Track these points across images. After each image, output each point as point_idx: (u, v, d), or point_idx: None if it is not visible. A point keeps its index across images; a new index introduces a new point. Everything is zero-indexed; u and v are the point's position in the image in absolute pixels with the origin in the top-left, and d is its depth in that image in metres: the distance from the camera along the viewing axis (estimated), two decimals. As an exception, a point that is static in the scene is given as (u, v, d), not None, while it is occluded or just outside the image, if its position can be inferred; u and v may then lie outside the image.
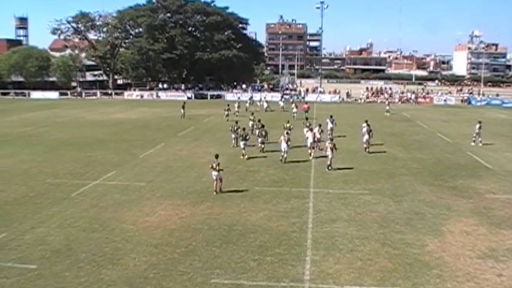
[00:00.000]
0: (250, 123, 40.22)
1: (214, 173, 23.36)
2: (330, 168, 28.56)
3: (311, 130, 33.79)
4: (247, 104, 63.65)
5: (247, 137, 25.55)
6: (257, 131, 35.21)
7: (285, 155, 30.70)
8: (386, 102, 65.97)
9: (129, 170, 28.53)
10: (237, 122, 37.32)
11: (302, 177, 26.82)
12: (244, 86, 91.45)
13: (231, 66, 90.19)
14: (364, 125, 35.08)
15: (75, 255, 16.13)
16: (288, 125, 36.37)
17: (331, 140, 30.10)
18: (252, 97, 71.24)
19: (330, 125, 39.87)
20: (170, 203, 21.84)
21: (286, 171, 28.16)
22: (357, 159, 31.69)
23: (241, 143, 29.24)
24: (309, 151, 32.62)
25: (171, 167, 29.19)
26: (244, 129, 30.20)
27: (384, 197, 23.13)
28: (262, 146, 33.90)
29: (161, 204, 21.67)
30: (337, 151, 29.23)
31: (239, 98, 69.87)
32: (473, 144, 37.79)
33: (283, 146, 30.69)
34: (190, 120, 51.75)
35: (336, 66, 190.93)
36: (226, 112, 51.72)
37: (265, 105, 61.62)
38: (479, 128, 37.97)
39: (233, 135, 35.65)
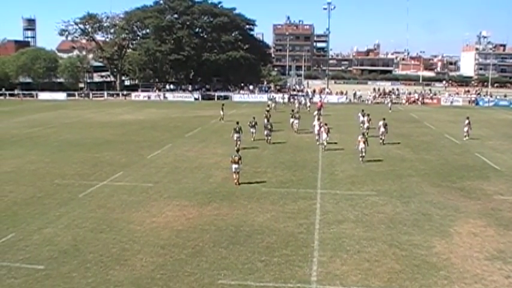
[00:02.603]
0: (265, 120, 41.43)
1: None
2: (362, 160, 30.79)
3: (319, 119, 39.27)
4: (273, 104, 64.90)
5: (240, 161, 25.26)
6: (265, 122, 39.40)
7: (325, 143, 34.68)
8: (389, 101, 71.43)
9: (136, 170, 28.61)
10: (238, 123, 36.97)
11: (309, 179, 26.79)
12: (251, 87, 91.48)
13: (238, 67, 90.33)
14: (381, 122, 38.27)
15: (82, 256, 16.18)
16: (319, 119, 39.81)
17: (363, 134, 32.51)
18: (274, 97, 72.98)
19: (361, 119, 44.03)
20: (177, 204, 21.87)
21: (294, 172, 28.16)
22: (365, 160, 31.62)
23: (233, 166, 25.48)
24: (316, 137, 37.40)
25: (178, 168, 29.24)
26: (237, 150, 27.62)
27: (392, 198, 23.08)
28: (269, 137, 37.77)
29: (168, 205, 21.70)
30: (368, 146, 31.44)
31: (273, 97, 72.21)
32: (465, 139, 40.09)
33: (324, 136, 34.77)
34: (197, 121, 51.89)
35: (343, 67, 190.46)
36: (221, 113, 51.78)
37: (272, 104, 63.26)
38: (468, 123, 40.88)
39: (235, 136, 35.47)
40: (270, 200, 22.51)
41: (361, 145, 31.42)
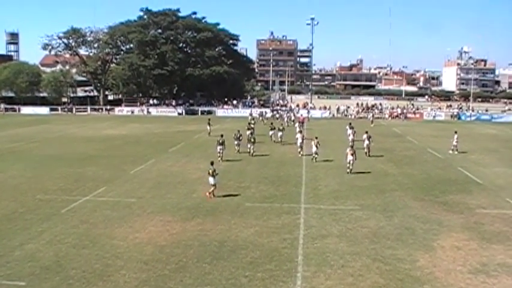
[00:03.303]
0: (248, 132, 43.18)
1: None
2: (350, 172, 31.75)
3: (300, 132, 41.56)
4: (260, 118, 68.00)
5: (215, 173, 25.31)
6: (248, 136, 40.52)
7: (316, 156, 36.04)
8: (371, 115, 73.39)
9: (119, 186, 28.41)
10: (238, 131, 40.96)
11: (293, 193, 26.80)
12: (235, 101, 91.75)
13: (222, 82, 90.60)
14: (365, 135, 39.82)
15: (64, 272, 15.99)
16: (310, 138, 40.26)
17: (352, 146, 33.83)
18: (262, 112, 74.54)
19: (349, 131, 45.67)
20: (161, 219, 21.75)
21: (277, 187, 28.15)
22: (348, 175, 31.68)
23: (211, 179, 25.51)
24: (299, 150, 39.06)
25: (161, 183, 29.10)
26: (212, 162, 26.50)
27: (375, 212, 23.13)
28: (252, 150, 39.09)
29: (152, 221, 21.58)
30: (356, 159, 32.50)
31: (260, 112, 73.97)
32: (450, 152, 41.01)
33: (313, 149, 35.88)
34: (181, 136, 51.82)
35: (326, 82, 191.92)
36: (208, 128, 52.16)
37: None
38: (457, 138, 41.64)
39: (236, 142, 39.81)
40: (253, 215, 22.47)
41: (349, 157, 32.11)
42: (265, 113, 74.86)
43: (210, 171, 25.44)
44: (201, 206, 24.01)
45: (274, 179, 30.48)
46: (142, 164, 35.14)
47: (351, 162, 32.20)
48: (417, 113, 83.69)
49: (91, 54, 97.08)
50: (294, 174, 32.03)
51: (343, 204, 24.56)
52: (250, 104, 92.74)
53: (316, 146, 36.21)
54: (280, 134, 46.68)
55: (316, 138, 37.36)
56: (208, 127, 52.35)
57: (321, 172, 32.61)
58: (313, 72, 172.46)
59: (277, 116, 73.55)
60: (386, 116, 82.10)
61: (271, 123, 52.11)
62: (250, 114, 67.79)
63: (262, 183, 29.14)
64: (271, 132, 47.99)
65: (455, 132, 42.18)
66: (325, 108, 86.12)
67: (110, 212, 23.04)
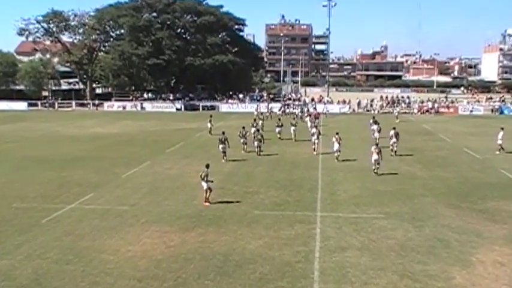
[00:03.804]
0: (253, 129, 44.19)
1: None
2: (377, 173, 32.30)
3: (316, 127, 43.27)
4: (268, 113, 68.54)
5: (207, 178, 25.57)
6: (253, 134, 41.75)
7: (338, 154, 36.91)
8: (397, 110, 74.19)
9: (110, 191, 28.46)
10: (244, 128, 41.65)
11: (308, 199, 26.80)
12: (241, 95, 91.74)
13: (226, 73, 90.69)
14: (392, 132, 39.99)
15: (45, 291, 16.02)
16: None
17: (377, 144, 34.53)
18: (270, 107, 74.99)
19: (372, 127, 47.36)
20: (157, 230, 21.75)
21: (290, 193, 28.15)
22: (371, 178, 31.61)
23: (203, 184, 26.07)
24: (314, 147, 40.42)
25: (158, 189, 29.15)
26: (207, 165, 28.01)
27: (402, 221, 22.99)
28: (260, 149, 39.79)
29: (146, 231, 21.58)
30: (382, 159, 32.77)
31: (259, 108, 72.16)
32: (497, 152, 40.43)
33: (336, 146, 36.91)
34: (180, 135, 52.00)
35: (345, 73, 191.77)
36: (209, 125, 52.72)
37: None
38: (503, 136, 41.15)
39: (242, 140, 40.68)
40: (263, 225, 22.45)
41: (375, 156, 32.24)
42: (271, 108, 74.57)
43: (203, 174, 25.70)
44: (202, 214, 24.02)
45: (286, 182, 30.54)
46: (136, 167, 35.20)
47: (377, 162, 32.52)
48: (451, 107, 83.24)
49: (75, 41, 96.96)
50: (308, 177, 32.10)
51: (365, 212, 24.49)
52: (258, 98, 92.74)
53: (339, 143, 37.07)
54: (292, 129, 47.68)
55: (337, 133, 38.08)
56: (209, 124, 52.69)
57: (339, 175, 32.63)
58: (331, 61, 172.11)
59: (288, 111, 73.58)
60: (415, 110, 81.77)
61: (279, 119, 53.04)
62: (257, 110, 68.14)
63: (273, 188, 29.19)
64: (278, 129, 48.95)
65: (502, 129, 41.79)
66: (344, 102, 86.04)
67: (98, 221, 23.00)
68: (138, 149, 43.24)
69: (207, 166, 26.20)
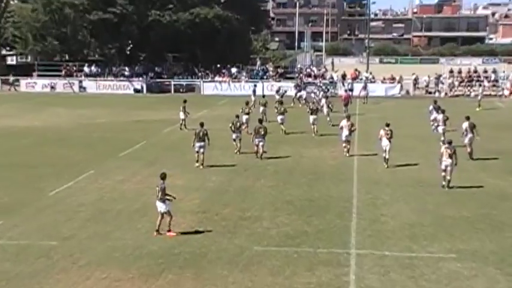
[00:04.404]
0: (245, 117, 46.66)
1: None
2: (449, 186, 32.09)
3: (348, 118, 41.54)
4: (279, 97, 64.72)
5: (167, 197, 25.53)
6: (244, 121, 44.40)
7: (387, 156, 36.95)
8: (480, 92, 71.15)
9: (29, 218, 28.01)
10: (237, 116, 42.34)
11: (336, 229, 26.40)
12: (234, 70, 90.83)
13: (212, 35, 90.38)
14: (466, 124, 39.62)
15: None
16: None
17: (449, 143, 33.00)
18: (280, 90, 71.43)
19: (434, 115, 47.91)
20: (104, 277, 21.42)
21: (308, 219, 27.62)
22: (435, 196, 31.29)
23: (159, 205, 26.15)
24: (343, 145, 40.71)
25: (105, 212, 28.73)
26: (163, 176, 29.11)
27: (486, 265, 22.37)
28: (261, 147, 39.76)
29: (88, 279, 21.22)
30: (456, 164, 32.38)
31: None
32: None
33: (386, 145, 36.99)
34: (140, 130, 51.83)
35: (395, 34, 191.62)
36: (182, 116, 51.92)
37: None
38: None
39: (234, 136, 41.02)
40: (267, 268, 22.11)
41: (446, 161, 32.14)
42: (283, 92, 70.85)
43: (158, 189, 25.46)
44: (175, 251, 23.63)
45: (302, 203, 30.09)
46: (72, 180, 34.72)
47: (448, 169, 32.22)
48: None
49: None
50: (337, 194, 31.73)
51: (426, 250, 23.92)
52: (261, 73, 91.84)
53: (389, 139, 37.06)
54: (312, 118, 48.51)
55: (388, 125, 37.97)
56: (182, 114, 51.93)
57: (385, 191, 32.39)
58: (372, 16, 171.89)
59: (306, 96, 70.86)
60: (506, 92, 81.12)
61: (281, 103, 53.35)
62: (254, 91, 68.33)
63: (283, 211, 28.75)
64: (280, 117, 50.11)
65: None
66: (392, 79, 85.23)
67: (10, 265, 22.50)
68: (74, 152, 42.83)
69: (163, 177, 25.88)
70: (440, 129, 44.32)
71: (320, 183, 34.05)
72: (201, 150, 37.14)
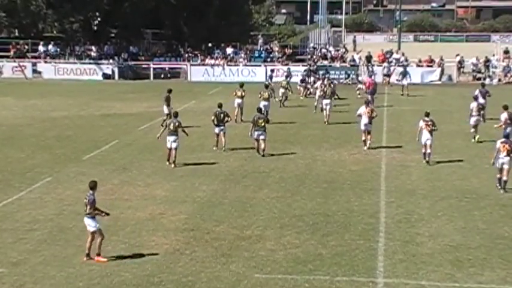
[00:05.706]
0: (262, 104, 48.40)
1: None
2: (504, 188, 32.60)
3: (367, 104, 44.18)
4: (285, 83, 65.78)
5: (97, 212, 25.49)
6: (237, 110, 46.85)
7: (429, 150, 38.12)
8: None
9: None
10: (220, 106, 43.47)
11: (358, 251, 25.68)
12: (230, 50, 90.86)
13: (201, 6, 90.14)
14: (505, 115, 41.06)
15: None
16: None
17: (507, 137, 33.72)
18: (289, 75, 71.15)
19: (480, 100, 48.89)
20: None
21: (324, 238, 26.96)
22: (485, 210, 30.63)
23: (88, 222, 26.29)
24: (363, 138, 42.65)
25: (65, 231, 28.14)
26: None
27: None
28: (262, 142, 41.36)
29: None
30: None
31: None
32: None
33: (426, 139, 38.35)
34: (111, 127, 51.61)
35: (434, 5, 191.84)
36: (166, 110, 51.65)
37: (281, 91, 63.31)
38: None
39: (216, 130, 42.11)
40: (272, 302, 20.65)
41: (504, 159, 32.39)
42: (288, 77, 71.52)
43: (85, 201, 25.16)
44: (154, 280, 23.06)
45: (316, 218, 29.70)
46: (24, 189, 34.46)
47: (506, 168, 32.43)
48: None
49: None
50: (360, 208, 31.32)
51: (473, 279, 23.13)
52: (263, 54, 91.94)
53: (431, 133, 37.89)
54: (326, 102, 52.18)
55: (428, 115, 38.97)
56: (166, 108, 51.70)
57: (421, 203, 31.96)
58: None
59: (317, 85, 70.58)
60: None
61: (266, 87, 55.21)
62: (271, 77, 68.87)
63: (291, 229, 28.28)
64: (281, 96, 55.04)
65: None
66: (430, 62, 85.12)
67: None
68: (26, 155, 42.86)
69: (92, 186, 25.29)
70: (473, 120, 44.46)
71: (338, 193, 33.66)
72: (173, 145, 38.51)
